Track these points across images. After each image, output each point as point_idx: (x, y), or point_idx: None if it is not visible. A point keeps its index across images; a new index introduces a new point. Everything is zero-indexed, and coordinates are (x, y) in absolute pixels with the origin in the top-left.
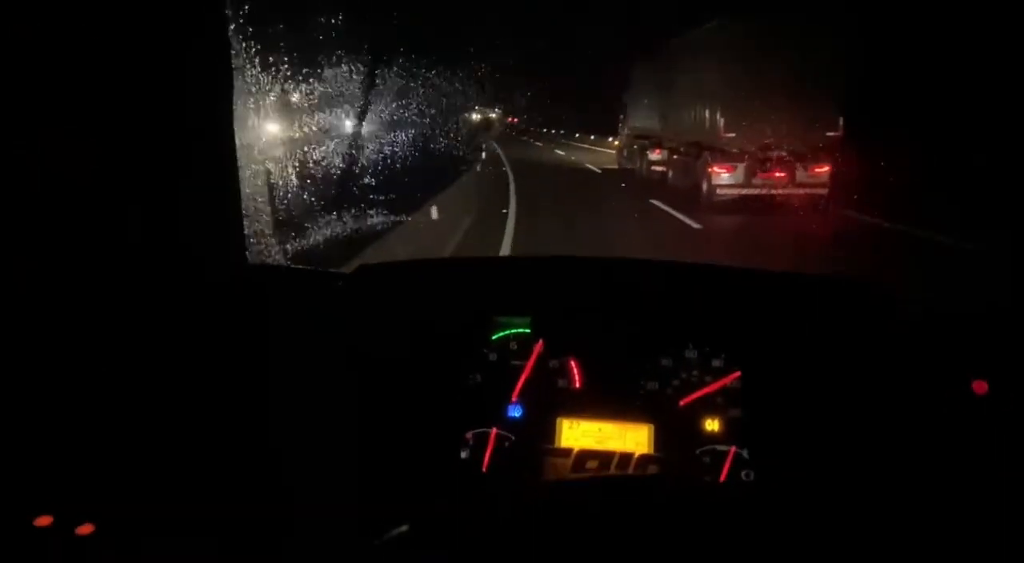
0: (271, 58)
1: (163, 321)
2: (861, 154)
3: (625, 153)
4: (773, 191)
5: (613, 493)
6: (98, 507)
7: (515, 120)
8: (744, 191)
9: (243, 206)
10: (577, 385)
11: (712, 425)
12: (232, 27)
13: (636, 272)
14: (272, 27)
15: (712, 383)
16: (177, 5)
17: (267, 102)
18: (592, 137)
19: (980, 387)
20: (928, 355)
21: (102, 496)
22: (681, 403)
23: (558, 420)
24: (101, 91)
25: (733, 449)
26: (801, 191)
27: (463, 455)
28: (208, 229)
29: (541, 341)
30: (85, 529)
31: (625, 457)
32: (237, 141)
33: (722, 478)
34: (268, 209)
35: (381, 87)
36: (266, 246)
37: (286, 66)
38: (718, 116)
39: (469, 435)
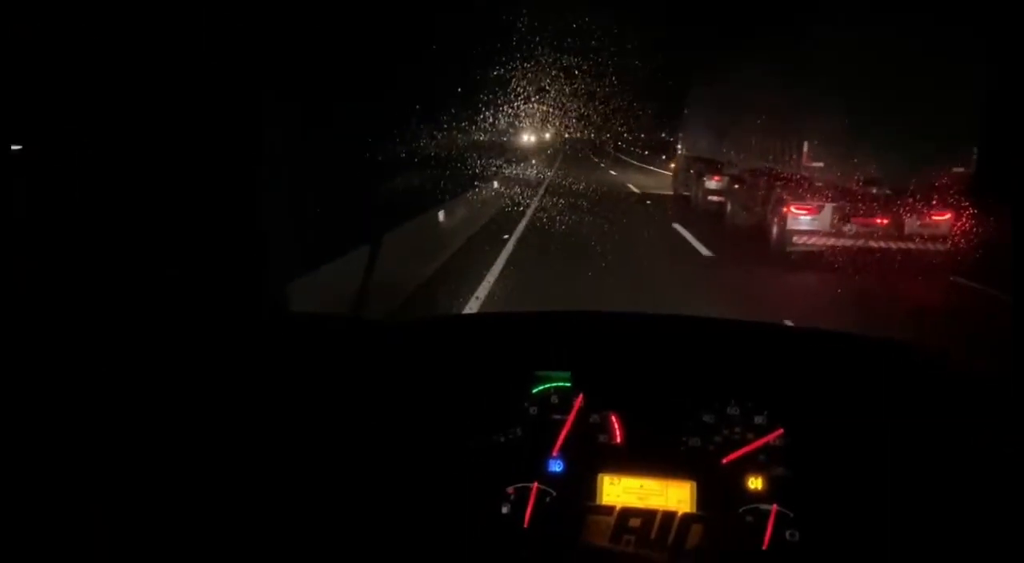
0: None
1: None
2: (982, 198)
3: (680, 178)
4: (871, 243)
5: None
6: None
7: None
8: (830, 241)
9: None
10: (618, 440)
11: (755, 483)
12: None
13: (677, 327)
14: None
15: (755, 440)
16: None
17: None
18: (662, 157)
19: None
20: (973, 419)
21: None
22: (724, 461)
23: (599, 476)
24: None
25: (775, 507)
26: (911, 246)
27: (504, 510)
28: (235, 273)
29: (581, 395)
30: None
31: (668, 516)
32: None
33: (767, 538)
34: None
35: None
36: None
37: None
38: (801, 139)
39: (511, 490)
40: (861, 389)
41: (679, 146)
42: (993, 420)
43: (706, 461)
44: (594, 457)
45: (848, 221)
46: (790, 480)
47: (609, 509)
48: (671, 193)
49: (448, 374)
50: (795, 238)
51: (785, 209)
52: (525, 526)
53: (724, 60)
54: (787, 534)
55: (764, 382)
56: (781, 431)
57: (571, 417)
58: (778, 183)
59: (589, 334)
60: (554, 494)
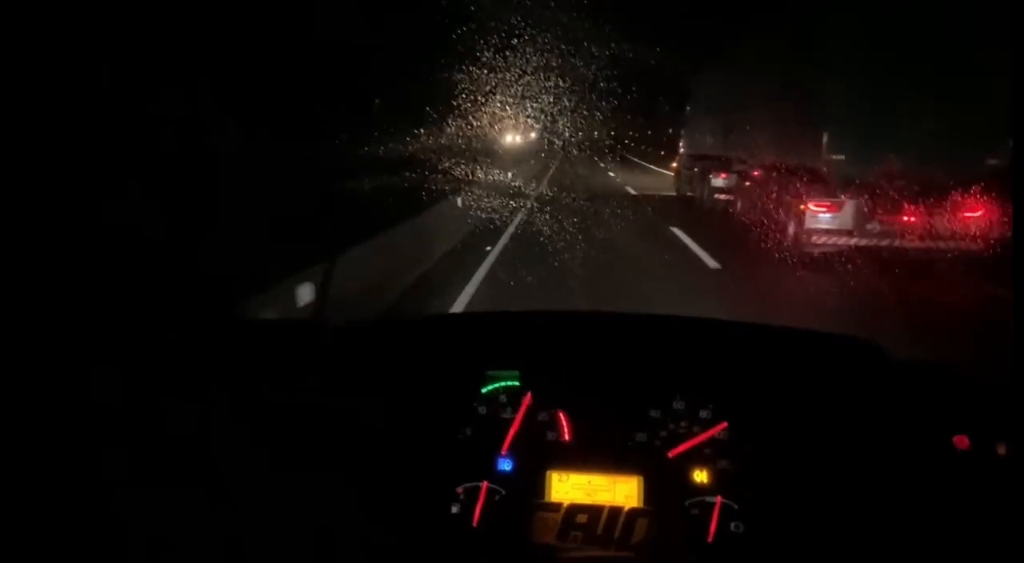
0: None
1: (133, 377)
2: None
3: (683, 177)
4: (897, 243)
5: None
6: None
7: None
8: (853, 241)
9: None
10: (566, 438)
11: (701, 476)
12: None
13: (623, 325)
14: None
15: (700, 434)
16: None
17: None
18: (662, 153)
19: (961, 442)
20: (911, 410)
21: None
22: (670, 454)
23: (548, 473)
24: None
25: (719, 499)
26: (940, 245)
27: (454, 510)
28: (187, 278)
29: (529, 394)
30: None
31: (614, 511)
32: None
33: (712, 530)
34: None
35: None
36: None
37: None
38: (819, 129)
39: (460, 489)
40: (801, 382)
41: (681, 144)
42: (928, 411)
43: (652, 456)
44: (543, 455)
45: (872, 219)
46: (734, 473)
47: (557, 506)
48: (673, 194)
49: (399, 375)
50: (814, 238)
51: (802, 206)
52: (474, 525)
53: (730, 46)
54: (732, 526)
55: (708, 377)
56: (725, 425)
57: (519, 416)
58: (794, 178)
59: (537, 334)
60: (503, 493)
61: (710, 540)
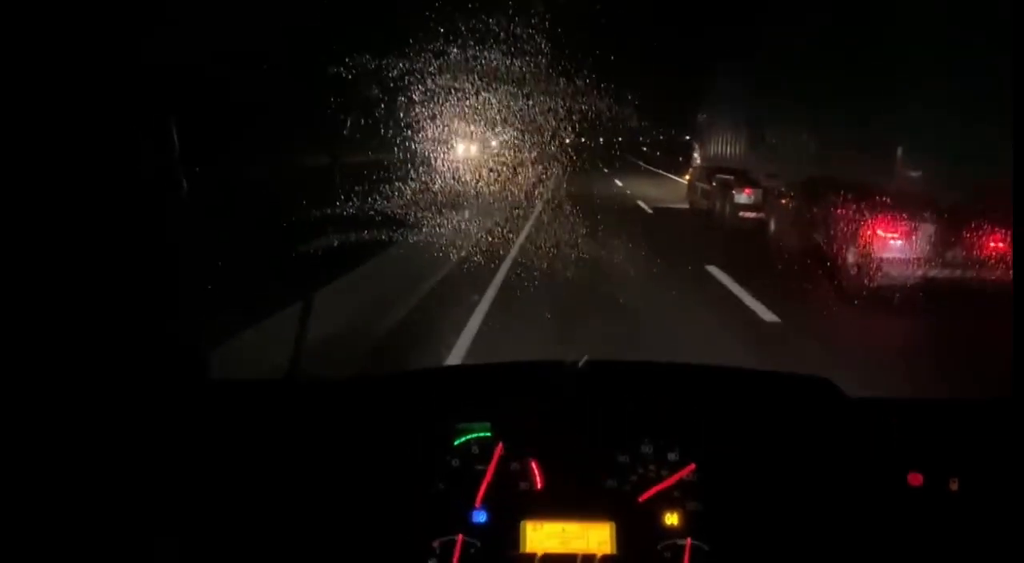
0: None
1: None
2: None
3: (699, 190)
4: (983, 275)
5: None
6: None
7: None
8: (931, 272)
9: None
10: (539, 486)
11: (672, 519)
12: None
13: (589, 372)
14: None
15: (669, 477)
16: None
17: None
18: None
19: (915, 479)
20: (866, 447)
21: None
22: (640, 499)
23: (522, 523)
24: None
25: (689, 541)
26: None
27: None
28: (165, 342)
29: (501, 445)
30: None
31: (587, 559)
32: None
33: None
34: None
35: None
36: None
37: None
38: (892, 139)
39: (436, 544)
40: (762, 422)
41: (695, 155)
42: (884, 449)
43: (623, 501)
44: (516, 505)
45: (951, 245)
46: (704, 514)
47: (531, 557)
48: (687, 206)
49: (371, 433)
50: (884, 267)
51: (868, 232)
52: None
53: (763, 35)
54: None
55: (675, 420)
56: (693, 466)
57: (491, 467)
58: (853, 198)
59: (505, 385)
60: (479, 545)
61: None
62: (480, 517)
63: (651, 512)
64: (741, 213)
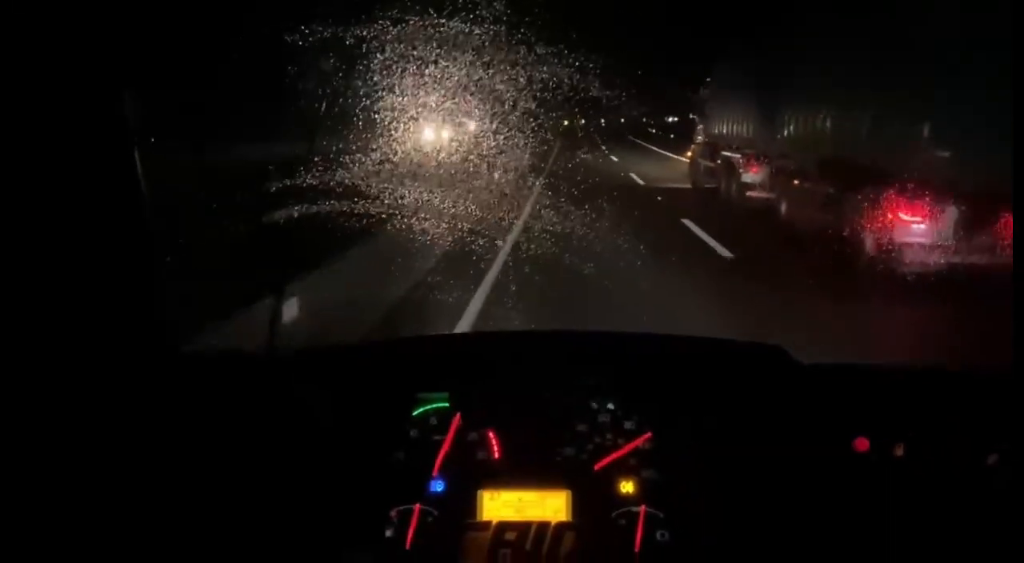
0: None
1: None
2: None
3: (701, 167)
4: (1006, 263)
5: None
6: None
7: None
8: (954, 258)
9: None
10: (496, 456)
11: (627, 487)
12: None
13: (547, 342)
14: None
15: (625, 445)
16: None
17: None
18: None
19: (862, 444)
20: (814, 413)
21: None
22: (596, 467)
23: (479, 492)
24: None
25: (643, 509)
26: None
27: (388, 533)
28: (130, 314)
29: (459, 415)
30: None
31: (542, 526)
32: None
33: (637, 539)
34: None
35: None
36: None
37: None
38: (918, 117)
39: (394, 513)
40: (715, 389)
41: (698, 130)
42: (831, 414)
43: (580, 469)
44: (474, 474)
45: (978, 229)
46: (659, 482)
47: (487, 524)
48: (688, 187)
49: (331, 402)
50: (905, 254)
51: (889, 214)
52: (407, 548)
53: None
54: (658, 534)
55: (631, 388)
56: (649, 434)
57: (449, 436)
58: (873, 179)
59: (464, 355)
60: (436, 514)
61: (636, 549)
62: (438, 486)
63: (607, 480)
64: (748, 193)
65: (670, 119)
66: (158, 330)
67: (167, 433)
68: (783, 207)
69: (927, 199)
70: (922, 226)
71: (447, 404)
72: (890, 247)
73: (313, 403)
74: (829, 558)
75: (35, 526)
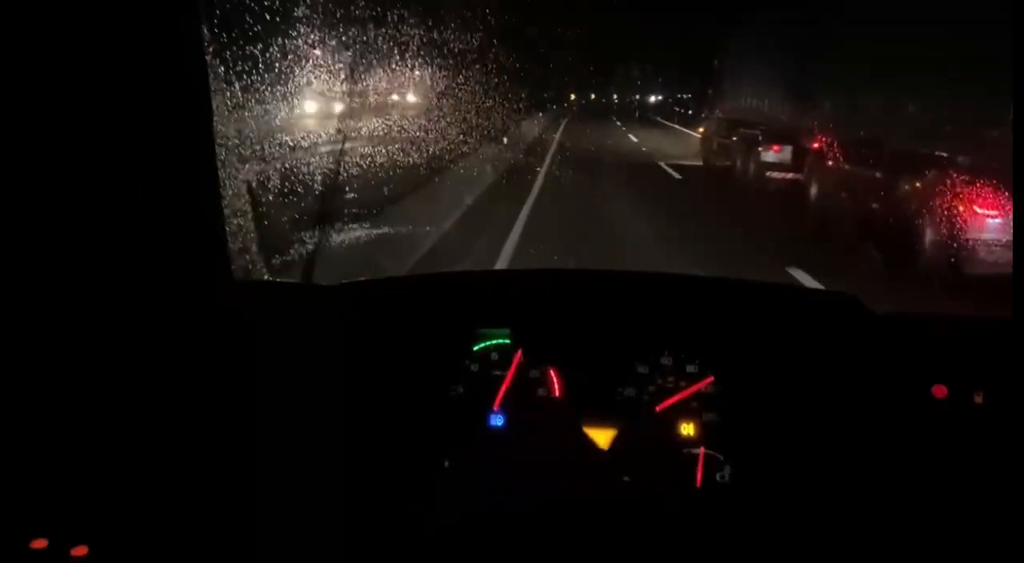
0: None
1: (142, 347)
2: None
3: (715, 145)
4: None
5: (589, 507)
6: (92, 529)
7: None
8: None
9: (227, 215)
10: (557, 394)
11: (688, 429)
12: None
13: (612, 282)
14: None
15: (686, 388)
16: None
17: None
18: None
19: (940, 391)
20: (890, 361)
21: (96, 518)
22: (657, 409)
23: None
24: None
25: (703, 450)
26: None
27: (446, 465)
28: (189, 244)
29: (520, 351)
30: (80, 551)
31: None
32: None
33: (698, 481)
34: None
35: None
36: (252, 259)
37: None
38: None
39: (452, 446)
40: (784, 336)
41: (710, 106)
42: (907, 362)
43: (641, 410)
44: (533, 411)
45: None
46: (720, 425)
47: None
48: (700, 164)
49: (391, 335)
50: (980, 253)
51: (962, 208)
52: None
53: None
54: (718, 476)
55: (695, 332)
56: (711, 379)
57: (510, 372)
58: (937, 165)
59: (527, 291)
60: (495, 448)
61: (698, 485)
62: (497, 421)
63: (668, 422)
64: (768, 172)
65: (682, 96)
66: (222, 261)
67: (224, 362)
68: (813, 190)
69: (1007, 192)
70: (998, 221)
71: (508, 340)
72: (959, 243)
73: (372, 333)
74: (897, 506)
75: (115, 445)
